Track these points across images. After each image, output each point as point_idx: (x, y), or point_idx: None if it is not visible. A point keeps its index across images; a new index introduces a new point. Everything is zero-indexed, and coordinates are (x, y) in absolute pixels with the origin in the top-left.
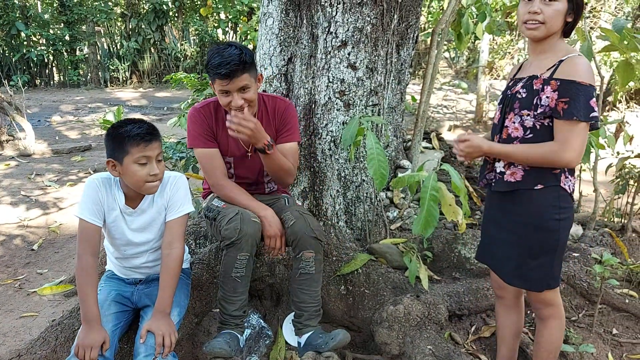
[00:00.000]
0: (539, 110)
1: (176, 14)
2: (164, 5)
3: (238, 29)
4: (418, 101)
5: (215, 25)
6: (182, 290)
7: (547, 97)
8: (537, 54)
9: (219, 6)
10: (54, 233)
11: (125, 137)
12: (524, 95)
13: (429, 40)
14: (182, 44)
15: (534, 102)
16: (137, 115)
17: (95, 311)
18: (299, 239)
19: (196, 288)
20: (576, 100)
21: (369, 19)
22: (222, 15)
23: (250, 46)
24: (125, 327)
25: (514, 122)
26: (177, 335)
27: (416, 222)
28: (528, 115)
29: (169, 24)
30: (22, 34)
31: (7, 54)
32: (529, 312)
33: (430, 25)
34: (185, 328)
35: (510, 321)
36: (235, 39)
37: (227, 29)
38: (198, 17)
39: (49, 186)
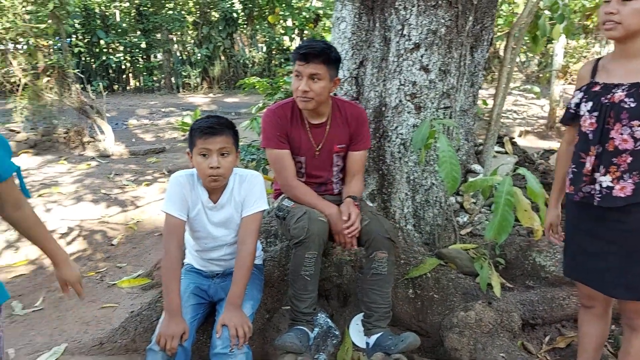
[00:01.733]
0: None
1: (245, 22)
2: (234, 14)
3: (304, 35)
4: (490, 105)
5: (283, 32)
6: (255, 284)
7: None
8: (629, 58)
9: (286, 13)
10: (131, 229)
11: (193, 129)
12: (632, 105)
13: (497, 44)
14: (250, 51)
15: None
16: None
17: (177, 303)
18: (373, 239)
19: (268, 285)
20: None
21: (443, 21)
22: (289, 22)
23: None
24: (202, 319)
25: (622, 134)
26: (251, 326)
27: (489, 227)
28: (639, 126)
29: (238, 32)
30: (102, 42)
31: (88, 61)
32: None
33: (501, 29)
34: (257, 323)
35: (595, 330)
36: None
37: (293, 35)
38: (266, 25)
39: (127, 185)
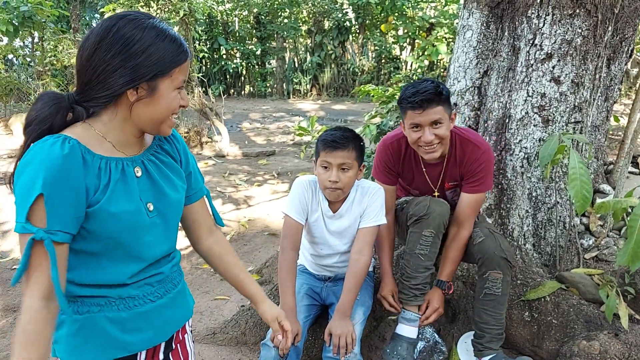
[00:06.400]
0: None
1: (358, 30)
2: (347, 22)
3: (416, 44)
4: (622, 122)
5: (394, 40)
6: (367, 291)
7: None
8: None
9: (399, 22)
10: (243, 227)
11: (319, 140)
12: None
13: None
14: (360, 59)
15: None
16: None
17: (292, 303)
18: (487, 258)
19: (377, 292)
20: None
21: (579, 30)
22: (401, 31)
23: (427, 62)
24: (313, 320)
25: None
26: (356, 336)
27: (622, 252)
28: None
29: (350, 40)
30: (222, 48)
31: (208, 66)
32: None
33: None
34: (364, 330)
35: None
36: (412, 54)
37: (404, 44)
38: (378, 33)
39: (240, 185)
